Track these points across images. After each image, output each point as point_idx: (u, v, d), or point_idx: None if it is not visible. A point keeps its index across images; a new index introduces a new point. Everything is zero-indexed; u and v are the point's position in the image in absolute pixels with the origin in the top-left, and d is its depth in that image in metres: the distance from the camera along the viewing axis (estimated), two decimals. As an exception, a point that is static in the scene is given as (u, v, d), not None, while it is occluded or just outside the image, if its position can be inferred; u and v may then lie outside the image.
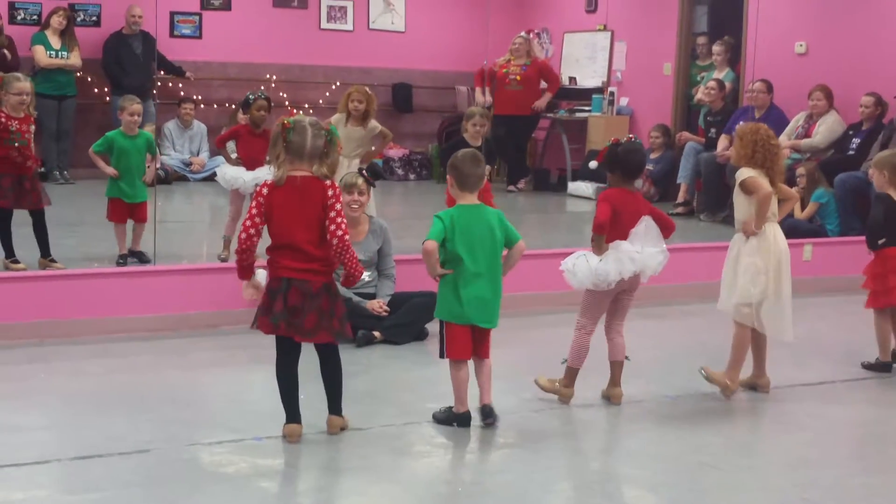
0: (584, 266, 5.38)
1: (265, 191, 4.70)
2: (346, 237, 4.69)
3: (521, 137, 12.97)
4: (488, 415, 5.12)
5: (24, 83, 7.39)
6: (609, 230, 5.38)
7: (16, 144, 7.22)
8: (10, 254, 7.39)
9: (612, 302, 5.52)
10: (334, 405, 4.93)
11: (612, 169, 5.50)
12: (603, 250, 5.38)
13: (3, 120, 7.21)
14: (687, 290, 7.72)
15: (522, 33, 12.52)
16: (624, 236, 5.40)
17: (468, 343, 5.07)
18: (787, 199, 5.91)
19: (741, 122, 10.69)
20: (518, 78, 12.24)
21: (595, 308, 5.48)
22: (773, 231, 5.73)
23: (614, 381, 5.58)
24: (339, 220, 4.67)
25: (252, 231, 4.69)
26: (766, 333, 5.79)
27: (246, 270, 4.80)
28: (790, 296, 5.79)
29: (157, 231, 7.77)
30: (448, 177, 5.20)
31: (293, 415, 4.83)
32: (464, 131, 8.26)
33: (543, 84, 13.01)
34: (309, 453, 4.75)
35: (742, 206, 5.76)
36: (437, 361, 5.20)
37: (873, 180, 6.56)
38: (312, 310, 4.70)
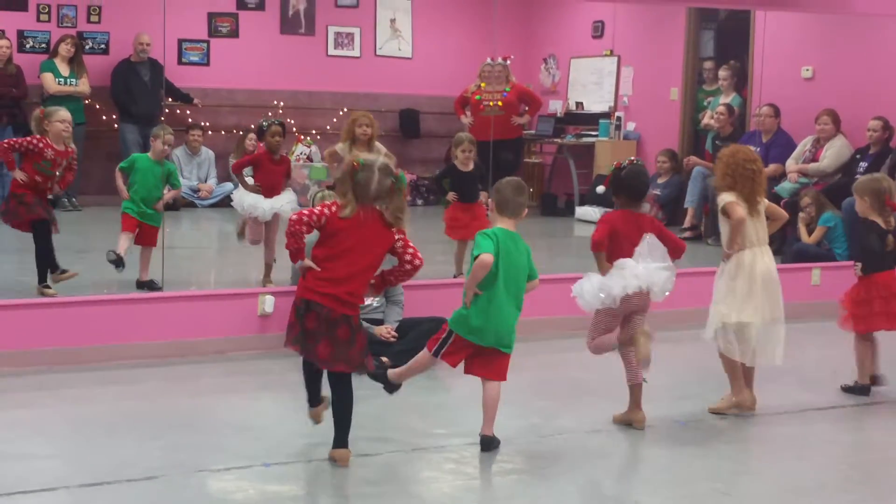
0: (590, 285, 5.39)
1: (334, 209, 4.71)
2: (419, 262, 4.83)
3: (511, 161, 12.89)
4: (487, 446, 5.11)
5: (65, 113, 7.62)
6: (611, 250, 5.41)
7: (41, 171, 7.35)
8: (43, 279, 7.43)
9: (625, 324, 5.51)
10: (343, 438, 4.84)
11: (617, 193, 5.55)
12: (606, 269, 5.40)
13: (41, 145, 7.34)
14: (696, 314, 7.67)
15: (500, 59, 12.56)
16: (629, 256, 5.42)
17: (462, 357, 5.13)
18: (775, 219, 5.95)
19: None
20: (500, 104, 12.26)
21: (604, 325, 5.50)
22: (752, 256, 5.74)
23: (635, 404, 5.55)
24: (415, 253, 4.81)
25: (305, 219, 4.68)
26: (744, 361, 5.78)
27: (296, 254, 4.77)
28: (781, 319, 5.80)
29: (166, 257, 7.77)
30: (491, 201, 5.28)
31: (315, 399, 4.96)
32: (454, 158, 8.28)
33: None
34: (317, 480, 4.73)
35: (724, 230, 5.83)
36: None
37: (856, 206, 6.53)
38: (326, 338, 4.69)
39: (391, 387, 5.39)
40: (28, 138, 7.47)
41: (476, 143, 8.57)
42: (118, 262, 7.64)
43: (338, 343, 4.70)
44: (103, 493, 4.48)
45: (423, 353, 5.24)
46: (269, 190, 8.03)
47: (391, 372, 5.34)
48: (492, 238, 5.04)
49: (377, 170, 4.73)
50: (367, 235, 4.71)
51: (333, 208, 4.72)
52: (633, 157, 5.67)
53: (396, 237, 4.79)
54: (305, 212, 4.75)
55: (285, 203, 8.00)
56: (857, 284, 6.43)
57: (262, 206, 8.00)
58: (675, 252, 5.52)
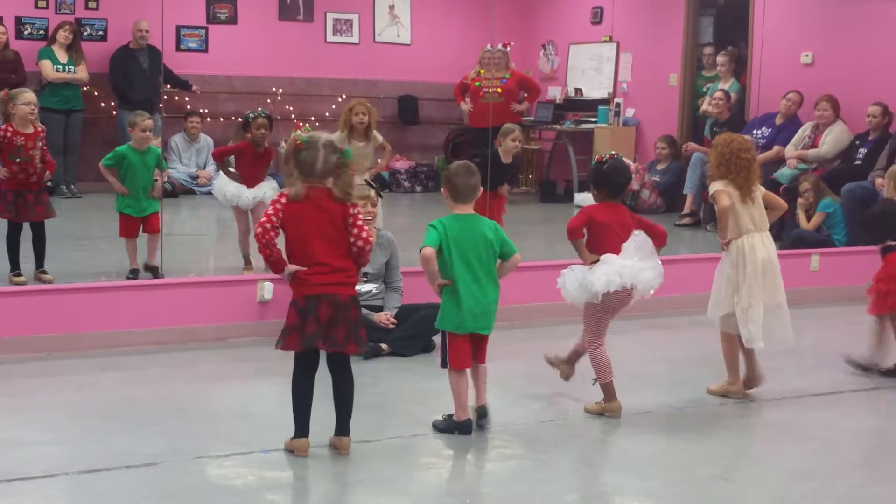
0: (572, 278, 5.39)
1: (284, 200, 4.69)
2: (371, 240, 4.79)
3: None
4: (483, 415, 5.17)
5: (30, 94, 7.51)
6: (597, 241, 5.40)
7: (17, 160, 7.25)
8: (15, 267, 7.41)
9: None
10: (344, 425, 4.85)
11: (598, 186, 5.53)
12: (589, 259, 5.39)
13: (9, 135, 7.26)
14: (694, 300, 7.69)
15: (500, 46, 12.57)
16: (616, 250, 5.40)
17: (469, 352, 5.11)
18: (773, 209, 5.97)
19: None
20: (499, 90, 12.26)
21: (597, 321, 5.48)
22: (751, 242, 5.79)
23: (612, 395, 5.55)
24: (363, 231, 4.75)
25: (268, 226, 4.66)
26: (751, 345, 5.82)
27: (277, 264, 4.74)
28: (783, 303, 5.85)
29: (164, 244, 7.78)
30: (443, 189, 5.21)
31: (303, 429, 4.79)
32: (497, 145, 8.29)
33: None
34: (317, 466, 4.73)
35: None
36: (443, 373, 5.20)
37: (884, 190, 6.59)
38: (344, 321, 4.71)
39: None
40: None
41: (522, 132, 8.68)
42: (136, 275, 7.61)
43: (350, 324, 4.74)
44: (103, 480, 4.48)
45: (449, 375, 5.16)
46: (250, 179, 8.03)
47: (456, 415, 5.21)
48: (437, 228, 5.02)
49: (321, 146, 4.70)
50: (324, 212, 4.69)
51: (283, 199, 4.68)
52: (612, 152, 5.65)
53: (350, 210, 4.73)
54: (263, 219, 4.69)
55: (268, 190, 8.01)
56: (884, 264, 6.48)
57: (245, 195, 8.00)
58: (659, 240, 5.51)
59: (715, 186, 5.81)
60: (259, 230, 4.69)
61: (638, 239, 5.42)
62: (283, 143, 11.53)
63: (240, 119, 8.41)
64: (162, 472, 4.59)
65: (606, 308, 5.43)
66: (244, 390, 6.00)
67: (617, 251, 5.39)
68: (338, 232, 4.72)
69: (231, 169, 8.21)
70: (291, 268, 4.72)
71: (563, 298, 5.52)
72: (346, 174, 4.75)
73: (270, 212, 4.69)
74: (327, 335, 4.70)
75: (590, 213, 5.44)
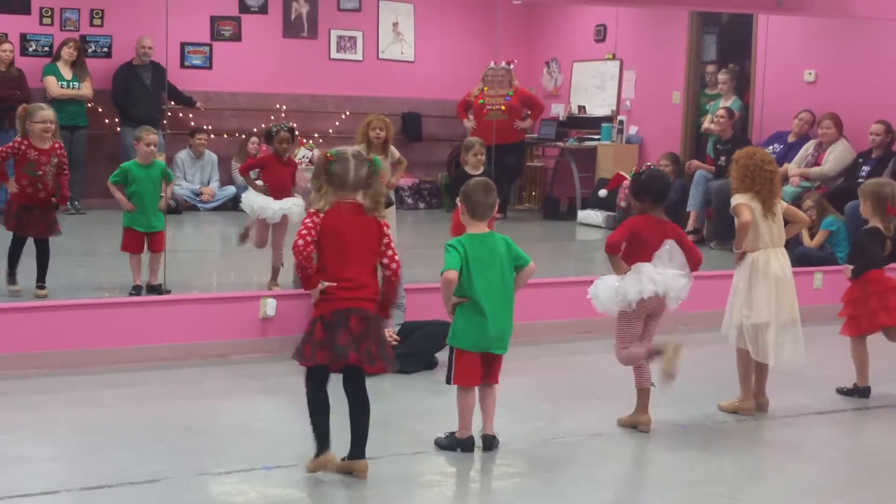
0: (605, 286, 5.41)
1: (320, 216, 4.64)
2: (400, 273, 4.77)
3: (514, 165, 12.91)
4: (489, 445, 5.14)
5: (48, 112, 7.48)
6: (632, 255, 5.43)
7: (28, 174, 7.29)
8: (11, 276, 7.43)
9: (644, 328, 5.52)
10: (361, 448, 4.75)
11: (639, 197, 5.56)
12: (623, 270, 5.42)
13: (23, 148, 7.28)
14: (697, 318, 7.70)
15: (503, 63, 12.59)
16: (649, 260, 5.44)
17: (478, 370, 5.09)
18: (794, 222, 5.98)
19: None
20: (503, 108, 12.25)
21: (627, 331, 5.50)
22: (766, 257, 5.79)
23: (642, 407, 5.56)
24: (395, 258, 4.74)
25: (309, 238, 4.60)
26: (760, 360, 5.82)
27: (311, 279, 4.64)
28: (796, 321, 5.83)
29: (168, 260, 7.78)
30: (459, 204, 5.21)
31: (326, 443, 4.69)
32: (464, 163, 8.29)
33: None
34: (319, 483, 4.72)
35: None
36: (447, 390, 5.19)
37: (860, 208, 6.58)
38: (375, 336, 4.67)
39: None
40: (10, 144, 7.38)
41: (485, 146, 8.62)
42: (139, 292, 7.61)
43: (381, 341, 4.71)
44: (105, 497, 4.48)
45: (457, 391, 5.15)
46: (278, 191, 8.05)
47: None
48: (458, 250, 5.00)
49: (351, 157, 4.69)
50: (355, 228, 4.67)
51: (317, 217, 4.65)
52: (649, 164, 5.72)
53: (385, 229, 4.74)
54: (304, 232, 4.61)
55: (294, 205, 8.02)
56: (851, 286, 6.47)
57: (271, 207, 8.02)
58: (692, 263, 5.53)
59: (737, 199, 5.79)
60: (300, 242, 4.60)
61: (669, 246, 5.44)
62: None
63: (244, 136, 8.44)
64: (164, 488, 4.58)
65: (638, 315, 5.45)
66: (247, 407, 5.99)
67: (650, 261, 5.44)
68: (369, 250, 4.70)
69: (258, 182, 8.25)
70: (321, 286, 4.65)
71: (595, 308, 5.53)
72: (377, 184, 4.75)
73: (310, 225, 4.63)
74: (359, 348, 4.63)
75: (633, 227, 5.45)
